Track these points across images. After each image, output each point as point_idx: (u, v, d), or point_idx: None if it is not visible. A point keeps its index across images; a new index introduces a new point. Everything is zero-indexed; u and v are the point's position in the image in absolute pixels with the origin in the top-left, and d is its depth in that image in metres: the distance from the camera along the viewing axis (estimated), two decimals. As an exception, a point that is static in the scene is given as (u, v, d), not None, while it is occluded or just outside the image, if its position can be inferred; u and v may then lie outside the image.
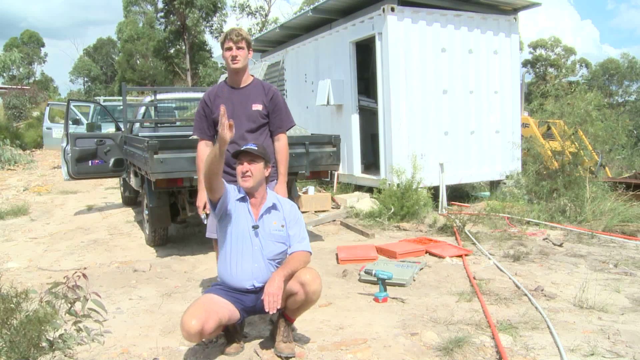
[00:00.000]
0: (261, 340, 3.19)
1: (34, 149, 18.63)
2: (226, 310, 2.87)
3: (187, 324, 2.68)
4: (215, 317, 2.76)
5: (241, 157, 2.92)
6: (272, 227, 2.95)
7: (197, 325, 2.66)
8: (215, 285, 3.05)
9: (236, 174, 2.96)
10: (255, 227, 2.92)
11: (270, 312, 2.70)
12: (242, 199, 2.97)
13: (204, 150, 3.45)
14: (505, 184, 8.40)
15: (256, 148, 2.93)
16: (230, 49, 3.32)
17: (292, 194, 5.87)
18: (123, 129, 7.17)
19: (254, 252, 2.91)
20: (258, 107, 3.42)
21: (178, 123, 8.29)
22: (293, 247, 2.96)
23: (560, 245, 5.38)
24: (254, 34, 21.36)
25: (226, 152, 3.44)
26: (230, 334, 3.02)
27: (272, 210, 2.98)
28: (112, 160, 6.88)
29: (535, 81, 30.25)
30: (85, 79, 47.14)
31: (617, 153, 9.57)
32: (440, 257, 4.97)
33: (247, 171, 2.88)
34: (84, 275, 2.57)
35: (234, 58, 3.33)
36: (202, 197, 3.48)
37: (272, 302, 2.67)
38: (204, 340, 3.11)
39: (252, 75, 3.53)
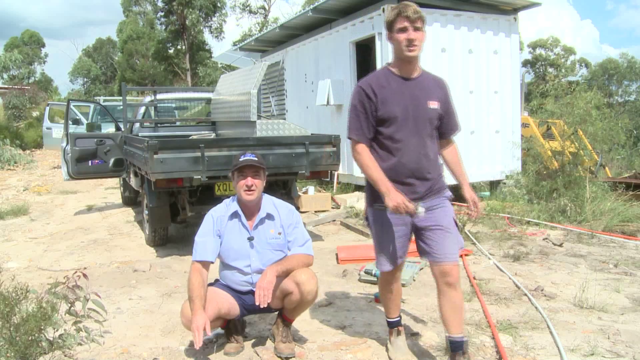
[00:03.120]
0: (261, 340, 3.19)
1: (34, 149, 18.62)
2: (226, 302, 2.89)
3: (187, 311, 2.75)
4: (215, 305, 2.79)
5: (245, 171, 2.85)
6: (269, 236, 2.93)
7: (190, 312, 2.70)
8: (218, 281, 3.06)
9: (238, 186, 2.87)
10: (250, 239, 2.91)
11: (261, 306, 2.72)
12: (234, 214, 2.92)
13: (366, 149, 2.63)
14: (505, 184, 8.41)
15: (256, 159, 2.88)
16: (404, 30, 2.50)
17: (292, 194, 5.88)
18: (123, 129, 7.17)
19: (251, 262, 2.91)
20: (435, 104, 2.63)
21: (178, 123, 8.31)
22: (293, 250, 2.95)
23: (560, 245, 5.38)
24: (254, 34, 21.37)
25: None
26: (231, 332, 3.03)
27: (266, 220, 2.95)
28: (112, 160, 6.88)
29: (535, 81, 30.24)
30: (85, 79, 47.10)
31: (617, 153, 9.58)
32: (440, 257, 4.96)
33: (252, 185, 2.84)
34: (84, 275, 2.57)
35: (410, 42, 2.50)
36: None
37: (262, 296, 2.69)
38: (204, 340, 3.12)
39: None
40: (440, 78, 2.74)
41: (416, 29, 2.50)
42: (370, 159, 2.60)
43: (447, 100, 2.71)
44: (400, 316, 2.99)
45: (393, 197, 2.49)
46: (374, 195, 2.65)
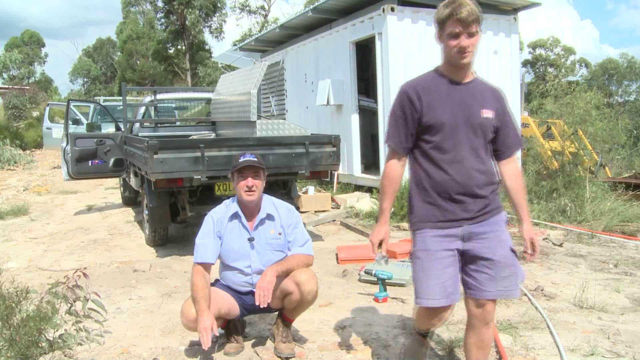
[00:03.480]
0: (261, 340, 3.20)
1: (34, 149, 18.61)
2: (226, 302, 2.90)
3: (187, 311, 2.76)
4: (215, 306, 2.80)
5: (245, 172, 2.84)
6: (269, 236, 2.93)
7: (196, 313, 2.70)
8: (219, 282, 3.07)
9: (238, 187, 2.86)
10: (251, 240, 2.91)
11: (261, 306, 2.73)
12: (234, 215, 2.92)
13: (396, 168, 2.38)
14: (505, 183, 8.39)
15: (256, 160, 2.88)
16: (457, 36, 2.17)
17: (292, 194, 5.88)
18: (123, 129, 7.17)
19: (252, 262, 2.92)
20: (489, 114, 2.30)
21: (178, 123, 8.31)
22: (293, 250, 2.95)
23: (560, 245, 5.38)
24: (254, 34, 21.37)
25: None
26: (231, 332, 3.03)
27: (266, 220, 2.95)
28: (112, 160, 6.88)
29: (534, 81, 30.25)
30: (85, 79, 47.13)
31: (617, 153, 9.58)
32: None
33: (252, 186, 2.84)
34: (85, 275, 2.57)
35: (463, 50, 2.18)
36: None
37: (262, 296, 2.70)
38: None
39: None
40: (496, 88, 2.43)
41: (470, 35, 2.17)
42: (391, 184, 2.37)
43: (505, 113, 2.36)
44: (430, 330, 2.73)
45: (375, 233, 2.40)
46: (412, 215, 2.37)
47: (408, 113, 2.30)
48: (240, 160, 2.86)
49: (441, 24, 2.24)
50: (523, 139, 8.67)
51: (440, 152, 2.28)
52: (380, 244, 2.39)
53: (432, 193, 2.29)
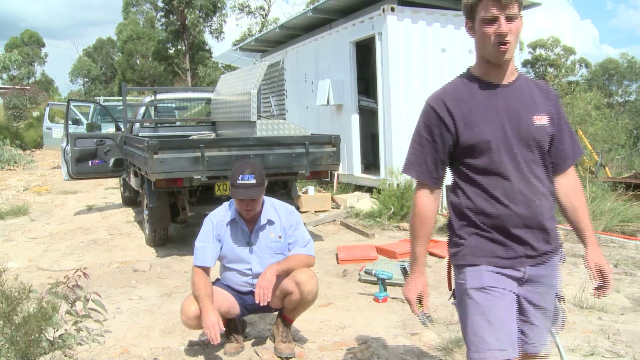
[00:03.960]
0: (261, 340, 3.20)
1: (34, 149, 18.62)
2: (226, 301, 2.90)
3: (187, 309, 2.77)
4: (215, 304, 2.80)
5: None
6: (269, 240, 2.92)
7: (196, 311, 2.73)
8: (219, 281, 3.07)
9: (236, 204, 2.82)
10: (250, 244, 2.90)
11: (261, 304, 2.74)
12: (233, 220, 2.90)
13: (428, 203, 1.83)
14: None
15: (254, 182, 2.76)
16: (493, 20, 1.67)
17: (292, 194, 5.88)
18: (123, 129, 7.17)
19: (252, 266, 2.91)
20: (543, 120, 1.78)
21: (178, 123, 8.32)
22: (294, 250, 2.94)
23: (560, 245, 5.38)
24: (254, 34, 21.36)
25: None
26: (231, 332, 3.03)
27: (267, 225, 2.93)
28: (112, 160, 6.88)
29: (535, 81, 30.22)
30: (85, 79, 47.16)
31: (617, 153, 9.58)
32: (440, 257, 4.97)
33: (250, 208, 2.81)
34: (85, 275, 2.57)
35: (502, 37, 1.67)
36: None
37: (262, 295, 2.70)
38: (203, 340, 3.12)
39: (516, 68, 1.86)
40: (547, 85, 1.90)
41: (510, 19, 1.66)
42: (422, 224, 1.84)
43: (560, 116, 1.84)
44: None
45: (411, 288, 1.87)
46: (457, 246, 1.82)
47: (437, 134, 1.78)
48: (237, 182, 2.75)
49: (471, 9, 1.75)
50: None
51: (488, 177, 1.76)
52: (420, 300, 1.89)
53: (484, 227, 1.77)
